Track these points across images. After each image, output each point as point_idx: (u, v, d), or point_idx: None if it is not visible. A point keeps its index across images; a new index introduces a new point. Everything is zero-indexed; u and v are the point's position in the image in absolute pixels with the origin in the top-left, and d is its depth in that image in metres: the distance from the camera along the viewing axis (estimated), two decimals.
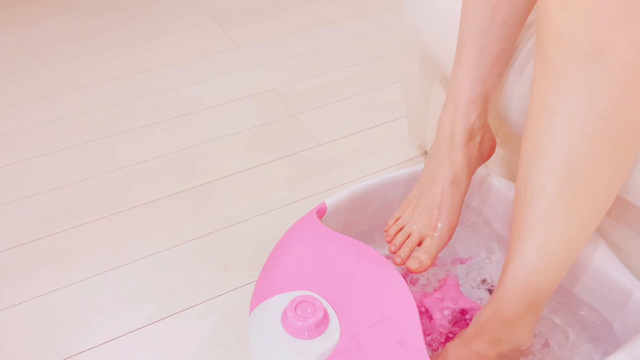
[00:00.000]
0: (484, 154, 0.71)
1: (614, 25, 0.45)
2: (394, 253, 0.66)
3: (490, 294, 0.71)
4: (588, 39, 0.46)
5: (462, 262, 0.74)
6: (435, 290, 0.70)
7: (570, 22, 0.47)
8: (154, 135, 1.21)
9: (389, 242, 0.68)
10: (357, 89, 1.32)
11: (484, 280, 0.72)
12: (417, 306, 0.63)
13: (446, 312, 0.68)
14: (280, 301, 0.56)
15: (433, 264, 0.65)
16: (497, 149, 0.81)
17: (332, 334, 0.53)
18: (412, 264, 0.64)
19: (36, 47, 1.58)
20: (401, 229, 0.67)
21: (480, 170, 0.74)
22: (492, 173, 0.75)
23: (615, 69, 0.46)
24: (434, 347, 0.65)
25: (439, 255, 0.67)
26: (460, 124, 0.66)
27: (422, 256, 0.64)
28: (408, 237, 0.66)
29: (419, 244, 0.66)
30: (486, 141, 0.70)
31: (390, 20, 1.61)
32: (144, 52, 1.53)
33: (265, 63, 1.44)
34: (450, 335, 0.65)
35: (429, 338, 0.65)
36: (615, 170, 0.50)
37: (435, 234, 0.65)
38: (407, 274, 0.72)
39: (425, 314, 0.68)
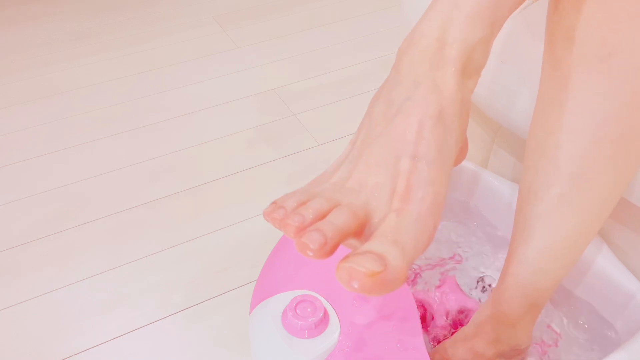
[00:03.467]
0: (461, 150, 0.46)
1: (626, 27, 0.44)
2: (301, 229, 0.34)
3: (490, 293, 0.71)
4: (599, 40, 0.45)
5: (461, 261, 0.74)
6: (435, 290, 0.70)
7: (582, 23, 0.45)
8: (154, 135, 1.21)
9: (275, 216, 0.36)
10: (357, 89, 1.32)
11: (482, 280, 0.72)
12: (417, 306, 0.63)
13: (446, 312, 0.68)
14: (280, 301, 0.56)
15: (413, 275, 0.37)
16: (497, 149, 0.81)
17: (332, 334, 0.53)
18: (366, 262, 0.32)
19: (36, 47, 1.58)
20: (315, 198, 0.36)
21: (478, 169, 0.74)
22: (490, 172, 0.75)
23: (625, 71, 0.45)
24: (434, 347, 0.65)
25: (429, 256, 0.64)
26: (457, 31, 0.38)
27: (383, 249, 0.32)
28: (335, 206, 0.35)
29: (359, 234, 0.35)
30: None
31: (390, 20, 1.61)
32: (144, 52, 1.53)
33: (265, 63, 1.44)
34: (450, 335, 0.65)
35: (429, 338, 0.65)
36: (621, 172, 0.50)
37: (409, 209, 0.33)
38: None
39: (425, 313, 0.68)
